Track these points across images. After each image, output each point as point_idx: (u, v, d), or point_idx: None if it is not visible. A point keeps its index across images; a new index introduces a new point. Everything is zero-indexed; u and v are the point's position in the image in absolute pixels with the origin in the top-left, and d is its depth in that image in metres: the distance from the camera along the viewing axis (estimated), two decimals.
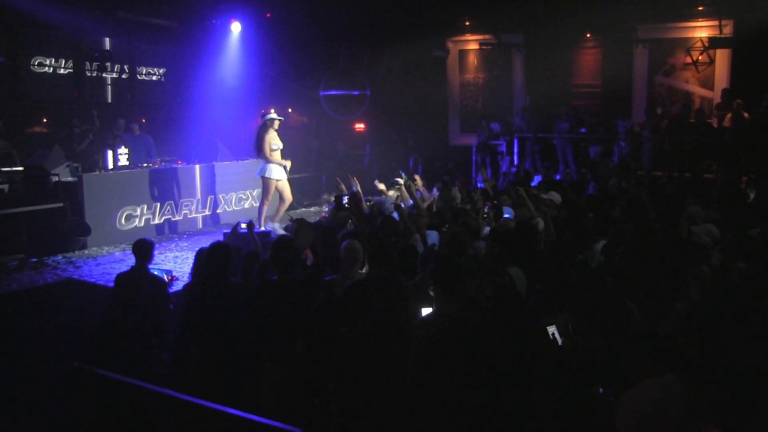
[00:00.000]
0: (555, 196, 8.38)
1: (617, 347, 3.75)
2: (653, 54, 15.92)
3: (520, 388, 3.85)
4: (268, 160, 10.19)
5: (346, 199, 7.75)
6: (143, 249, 5.88)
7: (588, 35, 16.52)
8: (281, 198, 10.48)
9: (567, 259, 5.22)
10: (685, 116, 14.20)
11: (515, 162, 15.46)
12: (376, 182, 9.84)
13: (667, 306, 4.42)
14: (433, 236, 6.59)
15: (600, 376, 3.56)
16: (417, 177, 10.04)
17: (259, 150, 10.23)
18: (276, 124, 10.37)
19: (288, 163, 10.44)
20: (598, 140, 14.64)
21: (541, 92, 16.12)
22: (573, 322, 3.86)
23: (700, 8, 14.88)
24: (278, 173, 10.32)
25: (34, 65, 14.95)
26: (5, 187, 10.61)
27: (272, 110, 10.50)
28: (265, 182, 10.32)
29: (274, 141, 10.22)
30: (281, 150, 10.38)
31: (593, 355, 3.66)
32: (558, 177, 13.34)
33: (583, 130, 14.77)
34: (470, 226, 6.39)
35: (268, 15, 15.31)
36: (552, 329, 4.00)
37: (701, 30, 15.18)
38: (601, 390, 3.48)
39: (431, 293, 4.57)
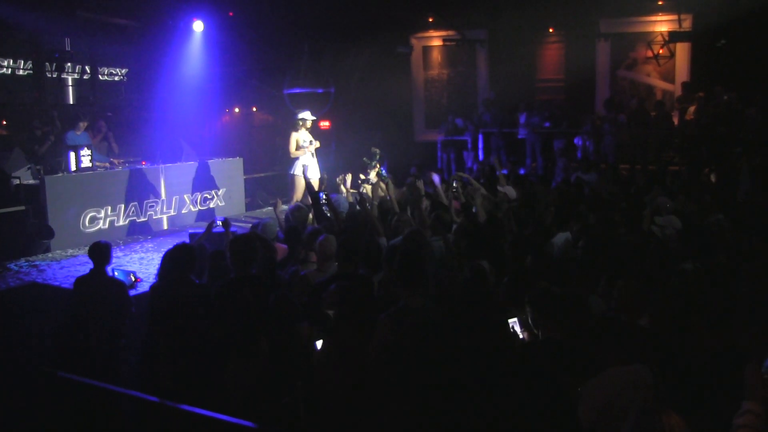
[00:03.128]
0: (510, 191, 8.49)
1: (577, 338, 3.82)
2: (615, 48, 16.15)
3: (483, 382, 3.91)
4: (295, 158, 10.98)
5: (323, 196, 7.75)
6: (99, 252, 5.82)
7: (551, 30, 16.70)
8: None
9: (528, 252, 5.29)
10: (644, 109, 14.46)
11: (480, 157, 15.58)
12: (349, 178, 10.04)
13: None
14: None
15: (562, 368, 3.62)
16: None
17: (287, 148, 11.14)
18: (304, 123, 11.06)
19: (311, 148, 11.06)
20: (563, 134, 14.81)
21: (505, 87, 16.25)
22: (532, 315, 3.90)
23: (660, 2, 15.12)
24: (301, 170, 10.90)
25: None
26: None
27: (305, 111, 11.19)
28: (293, 180, 10.91)
29: (302, 138, 10.96)
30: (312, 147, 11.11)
31: (553, 347, 3.72)
32: (522, 171, 13.47)
33: (546, 124, 14.94)
34: (443, 219, 6.43)
35: (231, 14, 15.20)
36: (513, 322, 4.05)
37: (661, 24, 15.45)
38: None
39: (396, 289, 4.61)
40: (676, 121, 14.40)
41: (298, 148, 10.96)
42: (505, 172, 11.19)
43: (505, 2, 14.95)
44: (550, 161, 14.45)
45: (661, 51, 15.44)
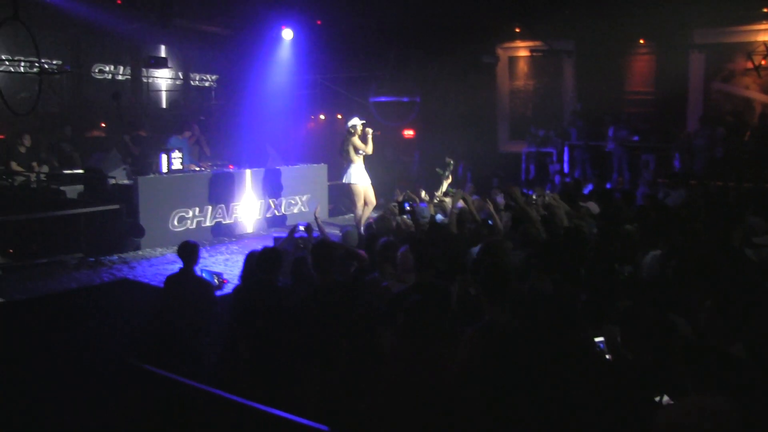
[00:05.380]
0: (593, 206, 8.30)
1: (665, 362, 3.68)
2: (710, 59, 15.54)
3: (567, 401, 3.82)
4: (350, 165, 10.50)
5: (408, 206, 7.72)
6: (189, 251, 6.03)
7: (641, 41, 16.25)
8: (365, 203, 10.67)
9: (613, 269, 5.14)
10: (743, 123, 13.87)
11: (565, 170, 15.32)
12: (423, 193, 10.02)
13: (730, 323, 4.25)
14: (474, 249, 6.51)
15: (652, 391, 3.49)
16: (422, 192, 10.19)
17: (341, 154, 10.64)
18: (357, 129, 10.54)
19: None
20: (652, 148, 14.38)
21: (591, 99, 15.92)
22: (621, 335, 3.77)
23: (765, 10, 14.37)
24: (358, 178, 10.54)
25: (95, 72, 15.49)
26: (67, 188, 11.03)
27: (355, 118, 10.70)
28: (350, 189, 10.59)
29: (357, 145, 10.49)
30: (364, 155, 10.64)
31: (644, 369, 3.59)
32: (609, 186, 13.15)
33: (635, 137, 14.54)
34: (529, 233, 6.34)
35: (319, 22, 15.49)
36: (599, 341, 3.94)
37: (765, 33, 14.74)
38: (664, 399, 3.41)
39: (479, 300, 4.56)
40: None
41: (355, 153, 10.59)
42: (590, 187, 10.93)
43: (594, 12, 14.63)
44: (636, 176, 14.06)
45: (763, 62, 14.75)
